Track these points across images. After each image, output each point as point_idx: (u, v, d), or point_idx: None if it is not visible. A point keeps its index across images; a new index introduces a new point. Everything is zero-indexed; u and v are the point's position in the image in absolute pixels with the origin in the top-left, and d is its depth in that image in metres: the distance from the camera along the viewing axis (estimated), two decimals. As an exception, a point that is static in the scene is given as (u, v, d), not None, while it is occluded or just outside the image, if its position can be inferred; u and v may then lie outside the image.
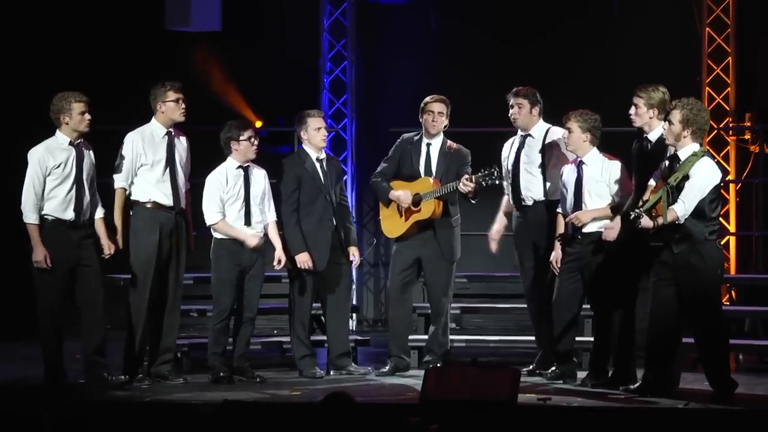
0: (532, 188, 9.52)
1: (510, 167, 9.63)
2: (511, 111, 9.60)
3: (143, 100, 9.38)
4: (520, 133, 9.65)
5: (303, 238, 9.52)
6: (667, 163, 8.45)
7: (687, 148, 8.38)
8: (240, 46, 13.43)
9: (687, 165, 8.31)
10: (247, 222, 9.35)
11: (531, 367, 9.56)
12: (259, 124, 13.18)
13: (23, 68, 12.32)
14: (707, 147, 12.61)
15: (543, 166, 9.49)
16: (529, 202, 9.55)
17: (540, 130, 9.59)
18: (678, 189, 8.28)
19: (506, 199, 9.77)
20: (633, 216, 8.26)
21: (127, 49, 12.81)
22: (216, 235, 9.39)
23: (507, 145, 9.77)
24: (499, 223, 9.82)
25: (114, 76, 12.44)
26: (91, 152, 9.09)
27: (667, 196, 8.27)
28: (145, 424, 7.85)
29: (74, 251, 8.91)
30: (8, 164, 9.51)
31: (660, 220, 8.26)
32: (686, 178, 8.28)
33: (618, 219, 8.83)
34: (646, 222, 8.26)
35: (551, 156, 9.49)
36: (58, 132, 8.99)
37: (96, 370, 8.95)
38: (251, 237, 9.30)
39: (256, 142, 9.40)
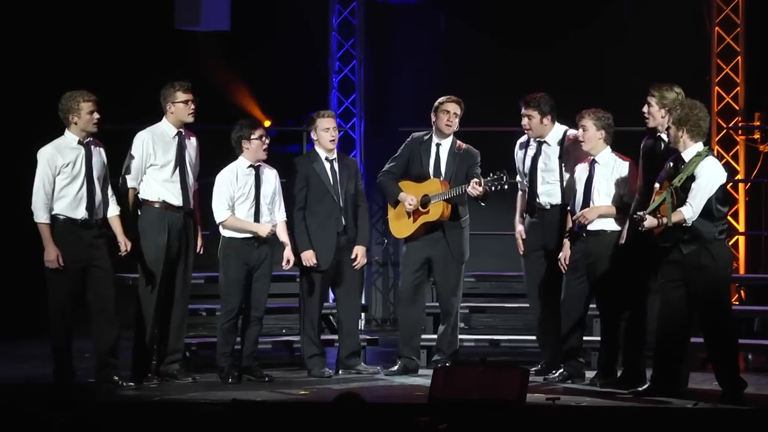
0: (552, 194, 9.45)
1: (526, 172, 9.57)
2: (522, 121, 9.49)
3: (153, 99, 9.38)
4: (536, 138, 9.58)
5: (308, 236, 9.53)
6: (671, 164, 8.43)
7: (691, 149, 8.35)
8: (249, 45, 13.44)
9: (691, 165, 8.29)
10: (257, 221, 9.36)
11: (539, 366, 9.55)
12: (267, 123, 13.19)
13: (33, 68, 12.33)
14: (716, 147, 12.65)
15: (561, 172, 9.44)
16: (548, 207, 9.51)
17: (556, 135, 9.50)
18: (683, 190, 8.27)
19: (522, 195, 9.72)
20: (636, 218, 8.24)
21: (137, 49, 12.82)
22: (224, 233, 9.38)
23: (520, 145, 9.69)
24: (521, 223, 9.72)
25: (124, 76, 12.45)
26: (102, 150, 9.10)
27: (672, 197, 8.25)
28: (153, 424, 7.84)
29: (85, 251, 8.90)
30: (19, 164, 9.51)
31: (664, 220, 8.24)
32: (691, 178, 8.27)
33: (626, 226, 8.81)
34: (649, 222, 8.23)
35: (569, 161, 9.40)
36: (66, 131, 8.98)
37: (107, 371, 8.96)
38: (262, 228, 9.31)
39: (267, 141, 9.40)
